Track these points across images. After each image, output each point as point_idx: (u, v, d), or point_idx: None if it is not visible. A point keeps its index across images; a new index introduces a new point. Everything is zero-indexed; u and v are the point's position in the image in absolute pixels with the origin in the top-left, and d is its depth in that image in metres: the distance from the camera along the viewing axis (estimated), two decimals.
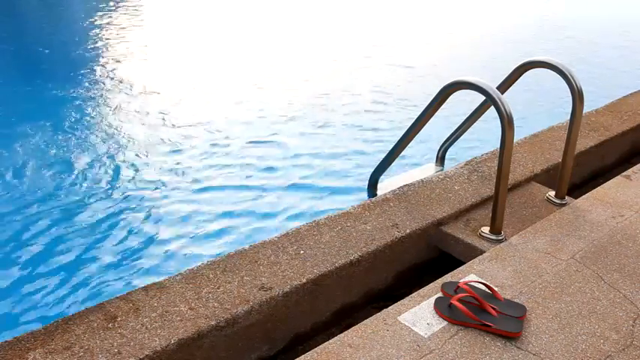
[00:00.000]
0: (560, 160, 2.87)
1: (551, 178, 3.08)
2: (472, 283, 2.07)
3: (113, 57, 7.41)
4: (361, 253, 2.31)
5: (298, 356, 1.80)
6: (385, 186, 3.09)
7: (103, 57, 7.39)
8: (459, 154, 3.88)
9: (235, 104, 5.90)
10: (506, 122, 2.32)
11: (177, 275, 2.13)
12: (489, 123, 3.48)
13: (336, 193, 4.23)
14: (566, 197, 2.85)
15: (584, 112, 2.87)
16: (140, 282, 2.99)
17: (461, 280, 2.11)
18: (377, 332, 1.87)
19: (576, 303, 2.04)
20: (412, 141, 2.90)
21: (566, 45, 8.48)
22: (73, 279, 3.27)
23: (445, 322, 1.92)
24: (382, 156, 2.97)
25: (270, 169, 4.53)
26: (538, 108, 5.74)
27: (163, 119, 5.48)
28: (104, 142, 4.94)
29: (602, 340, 1.88)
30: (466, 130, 3.31)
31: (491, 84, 2.44)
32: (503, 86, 2.90)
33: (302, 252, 2.28)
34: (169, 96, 6.12)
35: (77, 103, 5.83)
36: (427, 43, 8.76)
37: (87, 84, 6.42)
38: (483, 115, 3.17)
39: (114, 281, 3.24)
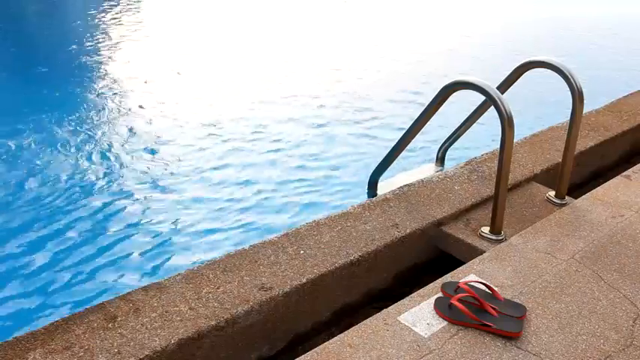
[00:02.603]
0: (560, 160, 2.87)
1: (551, 178, 3.08)
2: (472, 283, 2.07)
3: (113, 55, 7.42)
4: (361, 253, 2.31)
5: (298, 356, 1.80)
6: (385, 186, 3.10)
7: (104, 56, 7.39)
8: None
9: (239, 102, 5.90)
10: (506, 122, 2.32)
11: (177, 275, 2.13)
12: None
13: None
14: (566, 197, 2.85)
15: (584, 112, 2.87)
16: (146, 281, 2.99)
17: (461, 280, 2.11)
18: (377, 332, 1.87)
19: (576, 303, 2.04)
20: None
21: (567, 45, 8.49)
22: (76, 277, 3.27)
23: (445, 322, 1.92)
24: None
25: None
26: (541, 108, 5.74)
27: (169, 117, 5.48)
28: (106, 141, 4.94)
29: (602, 340, 1.88)
30: (466, 130, 3.32)
31: (492, 84, 2.45)
32: (504, 86, 2.90)
33: (302, 252, 2.28)
34: (174, 94, 6.12)
35: (80, 101, 5.84)
36: (426, 43, 8.76)
37: (88, 83, 6.42)
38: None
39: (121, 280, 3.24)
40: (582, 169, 3.45)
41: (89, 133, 5.11)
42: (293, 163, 4.62)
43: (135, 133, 5.12)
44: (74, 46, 7.80)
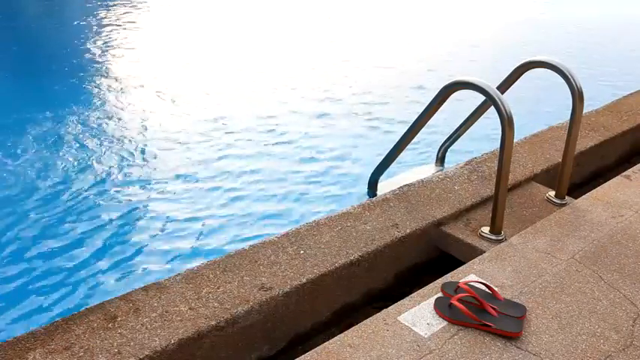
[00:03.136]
0: (560, 160, 2.87)
1: (551, 178, 3.08)
2: (472, 283, 2.07)
3: (117, 53, 7.42)
4: (361, 253, 2.31)
5: (298, 356, 1.80)
6: (385, 186, 3.10)
7: (106, 54, 7.39)
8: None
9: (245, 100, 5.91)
10: (506, 122, 2.32)
11: (177, 275, 2.13)
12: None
13: None
14: (566, 197, 2.85)
15: (584, 112, 2.87)
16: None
17: (461, 280, 2.11)
18: (377, 332, 1.87)
19: (576, 303, 2.04)
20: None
21: (567, 45, 8.49)
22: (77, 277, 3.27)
23: (445, 322, 1.92)
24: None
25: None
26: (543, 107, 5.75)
27: (173, 115, 5.48)
28: (108, 141, 4.94)
29: (602, 340, 1.88)
30: (466, 130, 3.32)
31: (492, 84, 2.45)
32: (504, 86, 2.90)
33: (302, 252, 2.28)
34: (176, 92, 6.13)
35: (83, 100, 5.85)
36: (426, 44, 8.76)
37: (91, 83, 6.43)
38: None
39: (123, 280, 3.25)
40: (582, 169, 3.45)
41: (96, 129, 5.13)
42: (299, 155, 4.66)
43: (143, 129, 5.14)
44: (81, 45, 7.82)
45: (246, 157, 4.65)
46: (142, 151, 4.76)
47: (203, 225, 3.71)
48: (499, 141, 2.37)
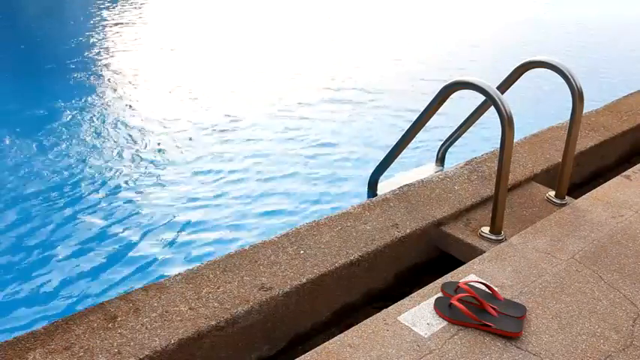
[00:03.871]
0: (560, 160, 2.87)
1: (551, 178, 3.08)
2: (472, 283, 2.07)
3: (116, 51, 7.43)
4: (361, 253, 2.31)
5: (298, 356, 1.80)
6: (385, 186, 3.09)
7: (106, 52, 7.40)
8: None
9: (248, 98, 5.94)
10: (506, 122, 2.32)
11: (177, 275, 2.13)
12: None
13: None
14: (566, 197, 2.85)
15: (584, 112, 2.87)
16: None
17: (461, 280, 2.11)
18: (377, 332, 1.87)
19: (576, 303, 2.04)
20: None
21: (567, 45, 8.49)
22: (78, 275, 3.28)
23: (445, 322, 1.92)
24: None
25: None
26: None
27: (175, 114, 5.50)
28: (110, 141, 4.94)
29: (602, 340, 1.88)
30: (466, 130, 3.32)
31: (492, 84, 2.44)
32: (504, 86, 2.90)
33: (302, 252, 2.28)
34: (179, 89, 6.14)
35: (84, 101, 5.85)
36: (426, 43, 8.76)
37: (92, 82, 6.43)
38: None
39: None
40: (582, 169, 3.45)
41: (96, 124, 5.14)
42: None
43: (147, 126, 5.16)
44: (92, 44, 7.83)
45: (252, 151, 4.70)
46: (148, 147, 4.77)
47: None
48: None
